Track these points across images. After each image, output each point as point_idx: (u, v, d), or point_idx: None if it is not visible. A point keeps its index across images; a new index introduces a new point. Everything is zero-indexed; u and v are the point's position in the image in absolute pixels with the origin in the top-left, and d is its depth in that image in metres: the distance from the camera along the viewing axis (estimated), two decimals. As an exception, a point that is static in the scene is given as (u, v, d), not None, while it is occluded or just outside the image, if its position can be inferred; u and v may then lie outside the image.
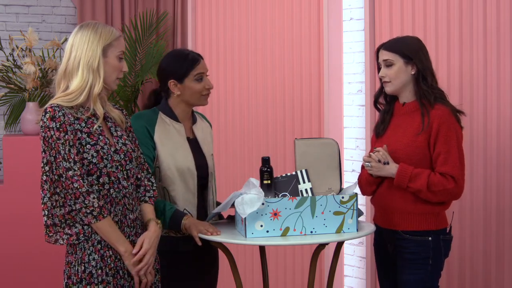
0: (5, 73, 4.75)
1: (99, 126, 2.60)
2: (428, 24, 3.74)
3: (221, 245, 2.96)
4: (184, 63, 3.02)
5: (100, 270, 2.55)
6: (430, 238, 2.96)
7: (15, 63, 4.73)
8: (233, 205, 2.89)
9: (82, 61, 2.58)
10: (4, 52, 4.84)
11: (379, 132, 3.12)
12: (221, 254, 3.12)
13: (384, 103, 3.16)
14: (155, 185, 2.79)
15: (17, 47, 4.68)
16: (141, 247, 2.60)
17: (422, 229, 2.97)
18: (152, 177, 2.80)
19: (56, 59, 4.84)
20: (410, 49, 3.00)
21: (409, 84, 3.02)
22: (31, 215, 4.59)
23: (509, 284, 3.46)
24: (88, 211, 2.50)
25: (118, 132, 2.68)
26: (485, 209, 3.54)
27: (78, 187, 2.49)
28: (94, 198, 2.51)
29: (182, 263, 3.01)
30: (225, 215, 3.21)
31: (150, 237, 2.64)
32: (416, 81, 3.01)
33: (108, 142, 2.60)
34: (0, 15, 5.24)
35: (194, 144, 3.08)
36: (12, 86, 4.81)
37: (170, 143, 3.00)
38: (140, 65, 5.37)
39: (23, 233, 4.62)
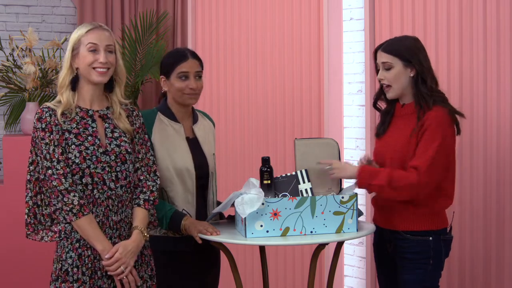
0: (5, 73, 4.75)
1: (92, 127, 2.63)
2: (428, 24, 3.73)
3: (221, 245, 2.96)
4: (171, 59, 3.01)
5: (76, 269, 2.56)
6: (430, 238, 2.95)
7: (15, 63, 4.73)
8: (233, 205, 2.89)
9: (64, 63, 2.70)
10: (4, 52, 4.84)
11: (380, 133, 3.10)
12: (221, 254, 3.12)
13: (384, 103, 3.15)
14: (155, 187, 2.75)
15: (17, 47, 4.68)
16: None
17: (423, 229, 2.96)
18: (157, 179, 2.77)
19: (56, 59, 4.84)
20: (408, 51, 2.95)
21: (408, 86, 2.99)
22: (31, 215, 4.59)
23: (509, 284, 3.46)
24: (68, 209, 2.53)
25: (115, 134, 2.68)
26: (485, 209, 3.53)
27: (57, 185, 2.52)
28: (74, 196, 2.53)
29: (183, 263, 3.01)
30: (225, 215, 3.20)
31: (126, 247, 2.59)
32: (415, 84, 2.96)
33: (97, 143, 2.62)
34: (0, 15, 5.24)
35: (194, 143, 3.07)
36: (12, 86, 4.81)
37: (167, 143, 2.99)
38: (140, 65, 5.36)
39: (23, 233, 4.59)
